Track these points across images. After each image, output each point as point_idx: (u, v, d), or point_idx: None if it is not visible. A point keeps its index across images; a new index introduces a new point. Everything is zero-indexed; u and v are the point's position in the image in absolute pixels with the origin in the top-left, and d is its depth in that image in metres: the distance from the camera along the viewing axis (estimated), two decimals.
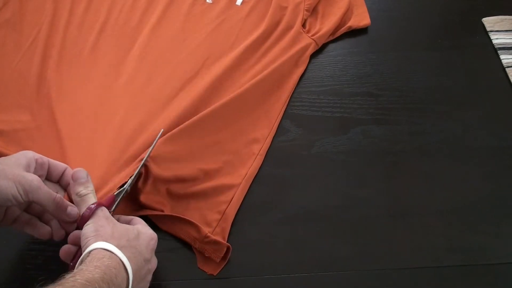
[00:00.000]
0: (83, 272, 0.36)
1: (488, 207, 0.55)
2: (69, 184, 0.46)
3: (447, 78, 0.67)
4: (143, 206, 0.53)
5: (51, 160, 0.47)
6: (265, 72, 0.64)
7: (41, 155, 0.45)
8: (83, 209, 0.43)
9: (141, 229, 0.44)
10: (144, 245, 0.43)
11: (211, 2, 0.73)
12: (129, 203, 0.53)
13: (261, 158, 0.59)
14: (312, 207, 0.55)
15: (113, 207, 0.46)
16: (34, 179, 0.42)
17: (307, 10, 0.71)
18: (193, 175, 0.55)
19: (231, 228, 0.53)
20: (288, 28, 0.69)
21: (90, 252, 0.39)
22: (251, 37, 0.67)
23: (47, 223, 0.46)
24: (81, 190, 0.45)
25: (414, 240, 0.53)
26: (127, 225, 0.44)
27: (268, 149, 0.60)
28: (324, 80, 0.66)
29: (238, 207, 0.55)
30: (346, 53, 0.70)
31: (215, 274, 0.50)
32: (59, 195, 0.44)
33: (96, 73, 0.65)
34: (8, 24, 0.68)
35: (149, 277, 0.44)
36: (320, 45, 0.69)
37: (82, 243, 0.41)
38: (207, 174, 0.56)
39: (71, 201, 0.45)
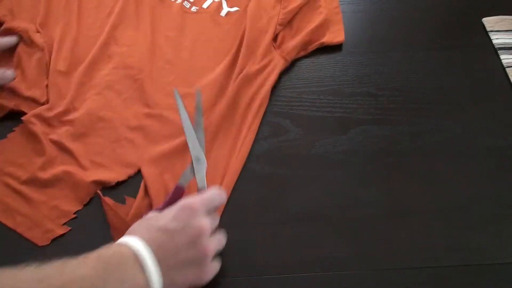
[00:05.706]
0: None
1: (488, 207, 0.55)
2: None
3: (447, 78, 0.67)
4: None
5: None
6: (234, 88, 0.62)
7: None
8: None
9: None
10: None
11: (195, 11, 0.71)
12: None
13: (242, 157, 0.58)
14: (312, 207, 0.55)
15: None
16: None
17: (280, 25, 0.67)
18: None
19: (230, 228, 0.52)
20: (260, 43, 0.66)
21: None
22: (229, 52, 0.65)
23: None
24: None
25: (414, 240, 0.53)
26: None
27: (268, 149, 0.60)
28: (324, 80, 0.66)
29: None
30: (346, 53, 0.69)
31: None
32: None
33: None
34: None
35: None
36: (290, 61, 0.66)
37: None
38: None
39: None
